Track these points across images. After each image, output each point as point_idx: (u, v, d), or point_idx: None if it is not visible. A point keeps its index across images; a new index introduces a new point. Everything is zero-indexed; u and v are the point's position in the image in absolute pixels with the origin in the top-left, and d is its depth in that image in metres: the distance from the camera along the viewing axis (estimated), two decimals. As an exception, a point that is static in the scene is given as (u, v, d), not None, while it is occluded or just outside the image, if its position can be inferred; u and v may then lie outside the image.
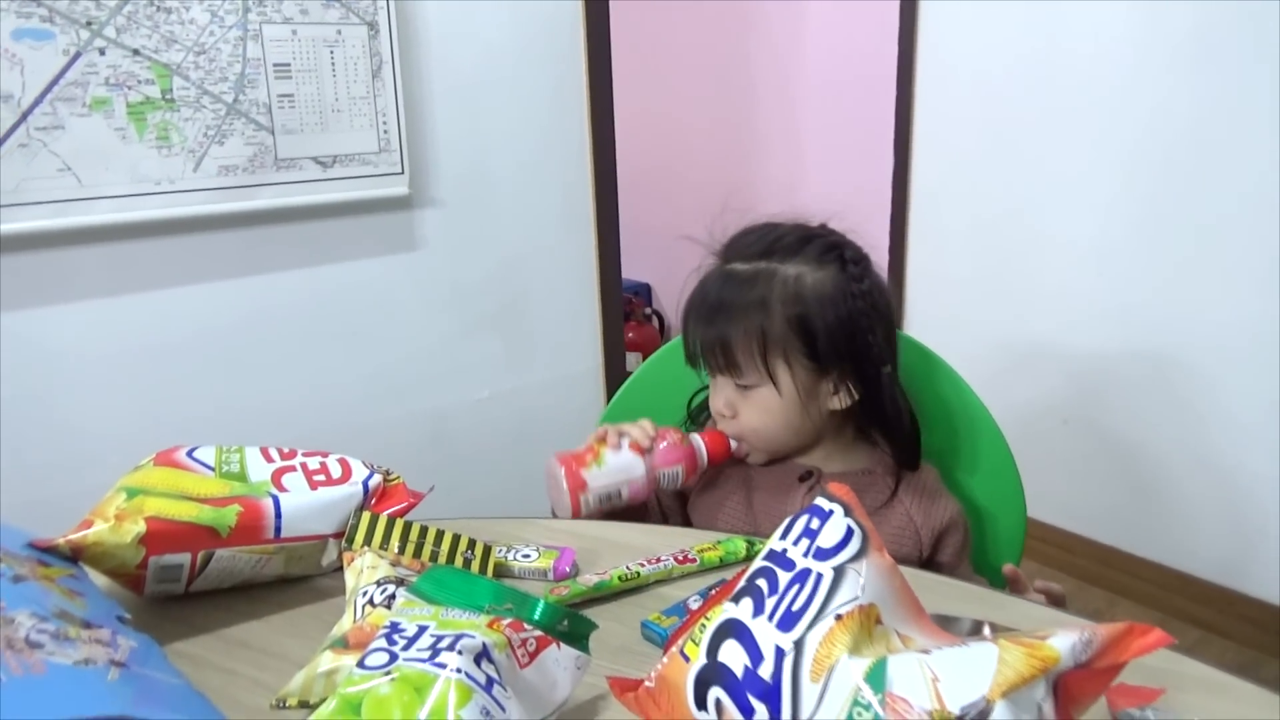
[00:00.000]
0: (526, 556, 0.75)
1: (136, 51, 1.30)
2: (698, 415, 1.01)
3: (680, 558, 0.74)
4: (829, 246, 0.89)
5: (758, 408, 0.89)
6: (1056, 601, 0.81)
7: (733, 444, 0.91)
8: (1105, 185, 1.91)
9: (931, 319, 2.15)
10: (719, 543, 0.77)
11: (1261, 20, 1.63)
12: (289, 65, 1.41)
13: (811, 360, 0.87)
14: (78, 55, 1.26)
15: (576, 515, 0.85)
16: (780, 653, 0.47)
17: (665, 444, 0.89)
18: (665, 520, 0.97)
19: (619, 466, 0.86)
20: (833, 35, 2.72)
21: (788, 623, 0.48)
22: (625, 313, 2.52)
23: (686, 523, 0.98)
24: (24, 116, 1.23)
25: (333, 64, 1.45)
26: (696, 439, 0.90)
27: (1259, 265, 1.70)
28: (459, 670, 0.47)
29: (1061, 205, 2.00)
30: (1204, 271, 1.79)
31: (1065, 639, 0.43)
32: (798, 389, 0.87)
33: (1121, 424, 1.97)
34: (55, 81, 1.25)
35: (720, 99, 3.07)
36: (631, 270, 2.25)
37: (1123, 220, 1.90)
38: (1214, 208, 1.76)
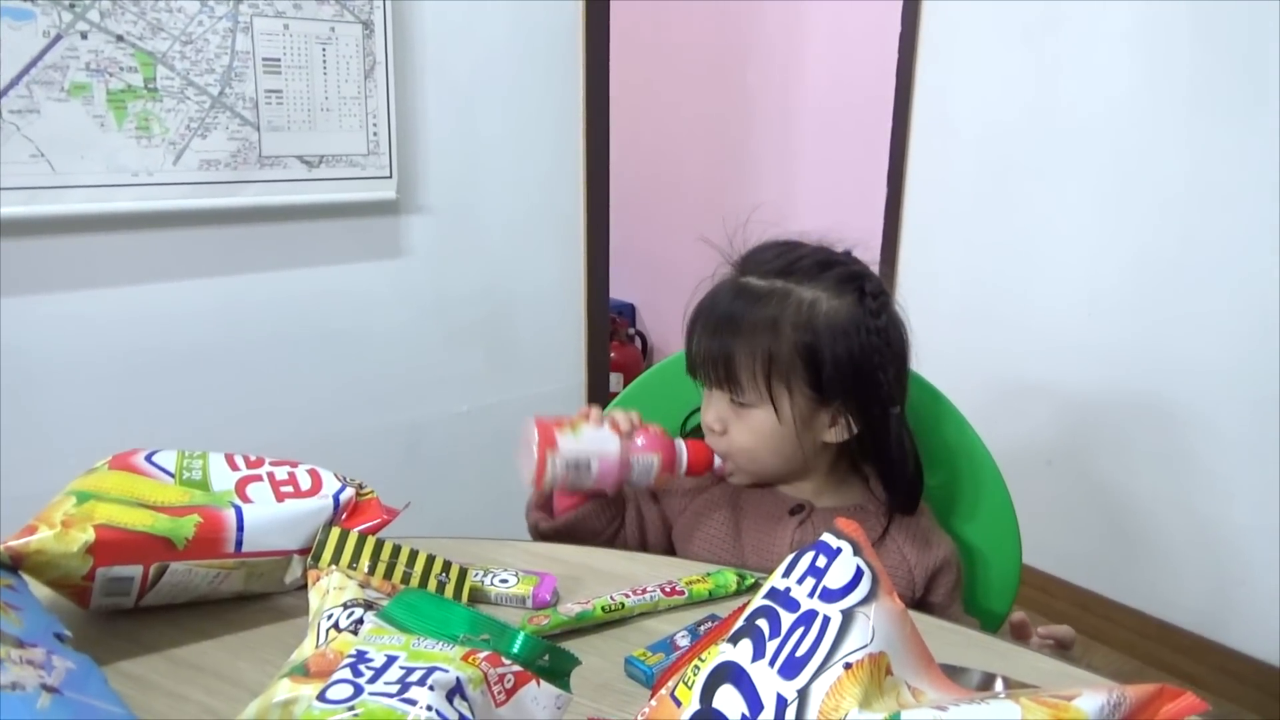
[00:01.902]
0: (504, 582, 0.71)
1: (120, 38, 1.26)
2: (690, 437, 0.98)
3: (667, 589, 0.70)
4: (850, 276, 0.86)
5: (750, 428, 0.86)
6: (1064, 645, 0.78)
7: (717, 461, 0.88)
8: (1097, 228, 1.92)
9: (918, 354, 2.14)
10: (708, 575, 0.73)
11: (1259, 68, 1.65)
12: (279, 60, 1.38)
13: (814, 390, 0.84)
14: (58, 38, 1.21)
15: (540, 480, 0.81)
16: (782, 702, 0.43)
17: (646, 433, 0.86)
18: (644, 538, 0.93)
19: (594, 438, 0.83)
20: (831, 65, 2.73)
21: (791, 669, 0.44)
22: (609, 332, 2.48)
23: (668, 539, 0.94)
24: (-2, 98, 1.19)
25: (324, 62, 1.41)
26: (680, 442, 0.87)
27: (1247, 315, 1.70)
28: (430, 708, 0.43)
29: (1053, 246, 2.00)
30: (1192, 319, 1.79)
31: (1093, 700, 0.40)
32: (795, 416, 0.84)
33: (1105, 468, 1.96)
34: (33, 64, 1.20)
35: (715, 125, 3.07)
36: (616, 290, 2.22)
37: (1114, 264, 1.90)
38: (1204, 256, 1.76)
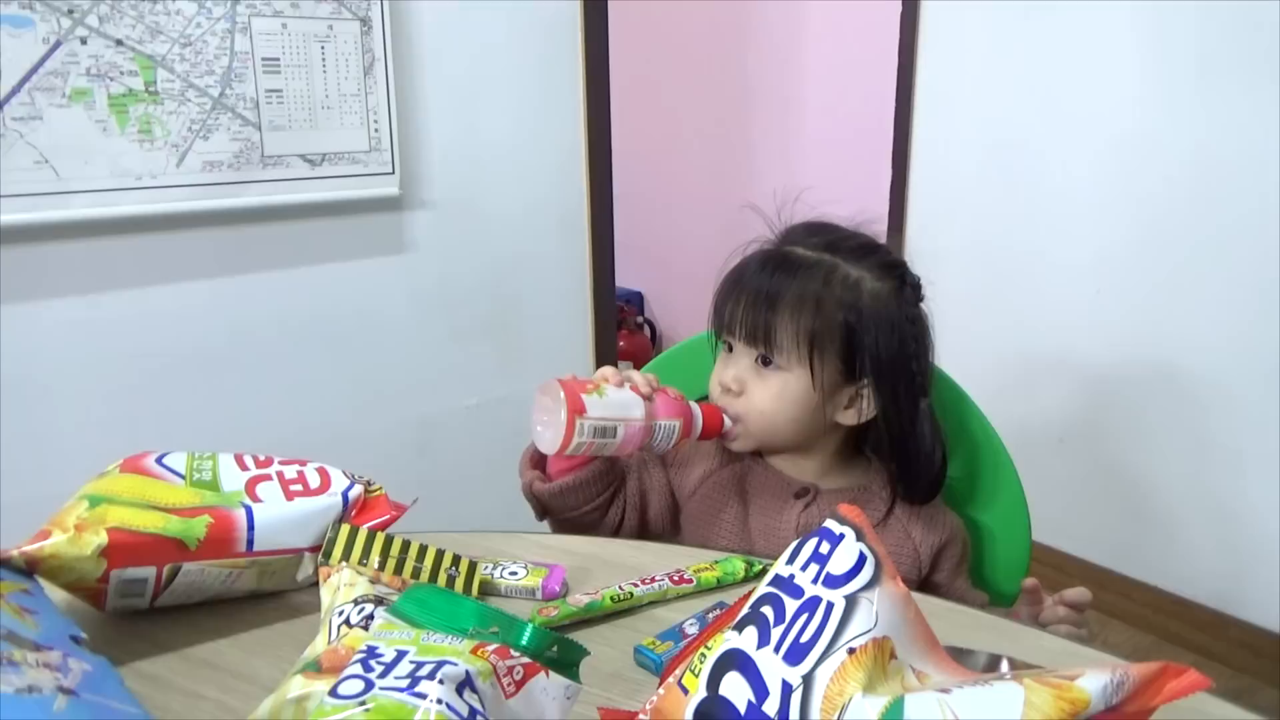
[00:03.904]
0: (514, 574, 0.71)
1: (120, 42, 1.26)
2: None
3: (676, 578, 0.71)
4: (892, 264, 0.88)
5: (770, 391, 0.86)
6: (1078, 607, 0.79)
7: (727, 422, 0.86)
8: (1104, 205, 1.90)
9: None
10: (716, 563, 0.73)
11: (1263, 42, 1.63)
12: (278, 60, 1.38)
13: (844, 365, 0.85)
14: (58, 44, 1.22)
15: (565, 447, 0.77)
16: (787, 688, 0.44)
17: (665, 396, 0.83)
18: (644, 508, 0.93)
19: (620, 402, 0.80)
20: (832, 50, 2.71)
21: (795, 655, 0.44)
22: (617, 321, 2.49)
23: (672, 515, 0.94)
24: (0, 106, 1.19)
25: (323, 60, 1.41)
26: (694, 405, 0.85)
27: (1258, 288, 1.69)
28: (440, 701, 0.43)
29: (1060, 224, 1.98)
30: (1203, 293, 1.78)
31: (1096, 680, 0.40)
32: (822, 387, 0.84)
33: (1118, 444, 1.95)
34: (34, 70, 1.21)
35: (718, 110, 3.06)
36: (624, 278, 2.22)
37: (1122, 240, 1.88)
38: (1213, 229, 1.75)
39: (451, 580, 0.68)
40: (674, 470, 0.94)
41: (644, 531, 0.93)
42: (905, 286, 0.87)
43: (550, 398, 0.78)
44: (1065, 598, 0.82)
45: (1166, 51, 1.77)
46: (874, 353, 0.84)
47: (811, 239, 0.88)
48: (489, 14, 1.61)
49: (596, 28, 1.73)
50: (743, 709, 0.44)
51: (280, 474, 0.70)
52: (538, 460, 0.90)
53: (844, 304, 0.84)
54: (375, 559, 0.66)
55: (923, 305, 0.89)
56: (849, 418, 0.87)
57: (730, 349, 0.89)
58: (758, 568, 0.73)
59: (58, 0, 1.21)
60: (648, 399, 0.82)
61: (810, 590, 0.47)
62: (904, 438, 0.86)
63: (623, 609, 0.68)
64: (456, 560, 0.69)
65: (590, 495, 0.87)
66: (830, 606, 0.45)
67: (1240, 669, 1.77)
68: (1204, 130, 1.73)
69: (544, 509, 0.89)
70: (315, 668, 0.52)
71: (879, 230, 0.92)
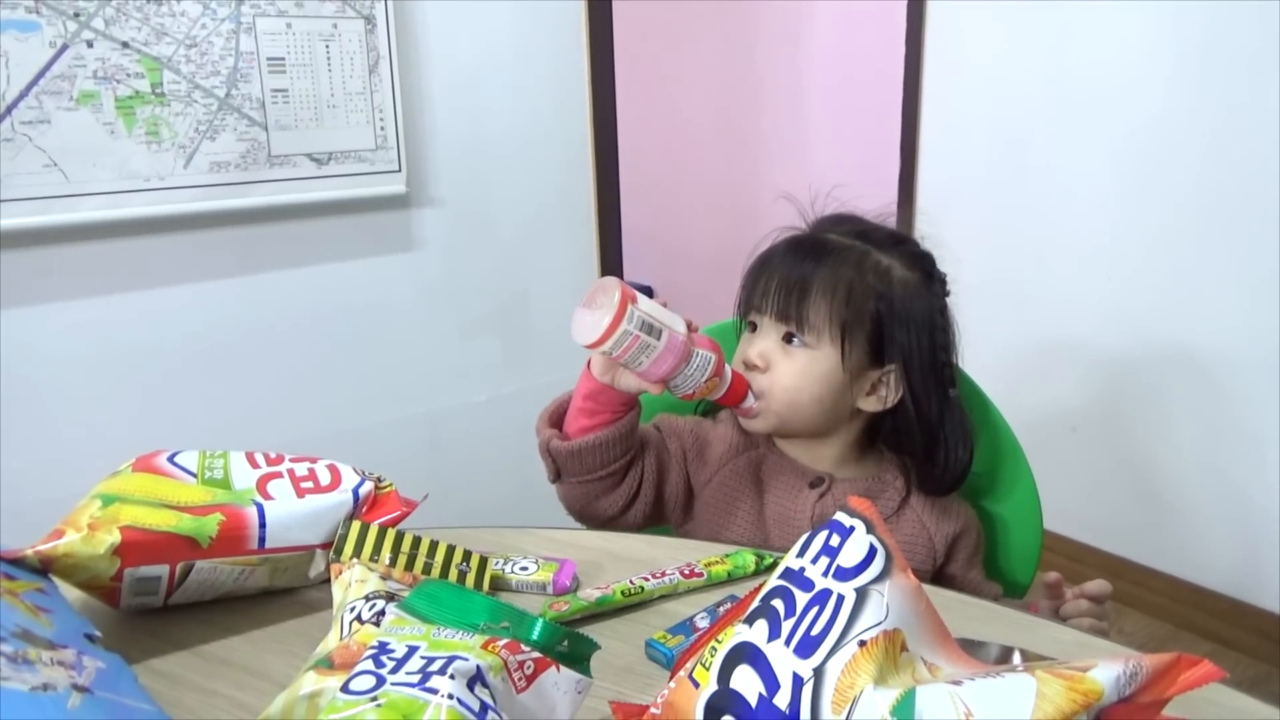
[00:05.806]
0: (525, 569, 0.71)
1: (126, 44, 1.27)
2: (705, 414, 0.99)
3: (686, 572, 0.71)
4: (920, 255, 0.89)
5: (796, 368, 0.85)
6: (1097, 599, 0.79)
7: (749, 398, 0.85)
8: (1114, 191, 1.89)
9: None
10: (727, 556, 0.73)
11: (1272, 27, 1.61)
12: (283, 59, 1.38)
13: (871, 349, 0.85)
14: (65, 47, 1.22)
15: (612, 331, 0.74)
16: (798, 681, 0.43)
17: (703, 336, 0.82)
18: (660, 485, 0.91)
19: (666, 313, 0.78)
20: (839, 38, 2.70)
21: (806, 648, 0.44)
22: (625, 316, 2.48)
23: (686, 499, 0.93)
24: (8, 110, 1.20)
25: (328, 59, 1.42)
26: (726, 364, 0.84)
27: (1271, 274, 1.67)
28: (451, 696, 0.44)
29: (1070, 211, 1.97)
30: (1215, 279, 1.76)
31: (1109, 671, 0.40)
32: (848, 367, 0.84)
33: (1131, 433, 1.94)
34: (41, 74, 1.21)
35: (725, 102, 3.05)
36: (632, 272, 2.21)
37: (1132, 226, 1.87)
38: (1225, 214, 1.73)
39: (462, 576, 0.68)
40: (691, 458, 0.93)
41: (658, 510, 0.92)
42: (933, 279, 0.88)
43: (602, 294, 0.76)
44: (1086, 590, 0.81)
45: (1177, 37, 1.75)
46: (903, 339, 0.84)
47: (840, 227, 0.89)
48: (493, 10, 1.61)
49: (601, 21, 1.73)
50: (754, 702, 0.44)
51: (291, 471, 0.70)
52: (556, 418, 0.89)
53: (875, 289, 0.84)
54: (386, 555, 0.66)
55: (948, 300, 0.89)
56: (871, 404, 0.87)
57: (754, 329, 0.89)
58: (768, 561, 0.73)
59: (63, 4, 1.21)
60: (690, 327, 0.80)
61: (821, 583, 0.46)
62: (932, 428, 0.86)
63: (633, 603, 0.68)
64: (467, 556, 0.69)
65: (608, 458, 0.85)
66: (841, 599, 0.45)
67: (1258, 657, 1.76)
68: (1216, 114, 1.72)
69: (558, 470, 0.87)
70: (327, 664, 0.53)
71: (894, 222, 0.93)
